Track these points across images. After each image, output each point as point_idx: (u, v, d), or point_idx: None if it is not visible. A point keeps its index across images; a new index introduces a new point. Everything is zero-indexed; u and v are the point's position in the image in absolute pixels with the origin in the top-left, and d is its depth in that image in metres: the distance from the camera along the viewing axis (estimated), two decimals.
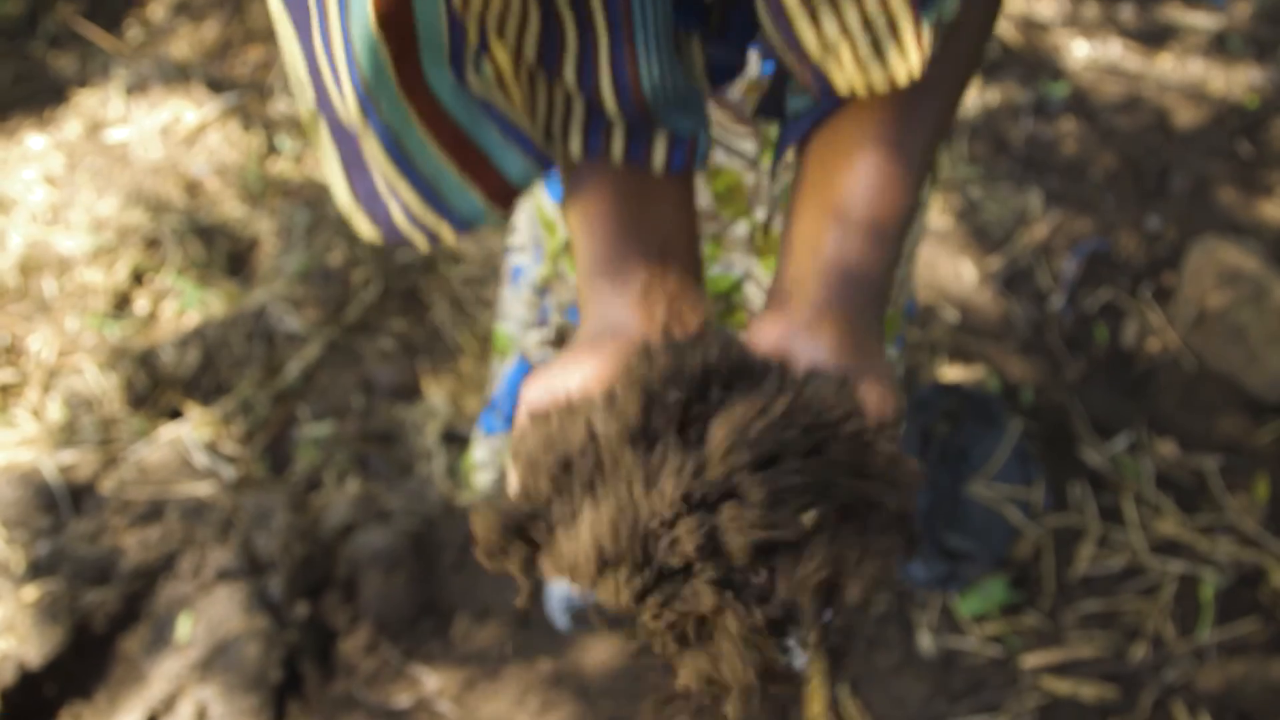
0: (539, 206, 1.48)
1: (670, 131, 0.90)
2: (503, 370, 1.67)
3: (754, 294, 1.44)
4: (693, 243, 0.94)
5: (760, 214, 1.36)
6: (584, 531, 0.72)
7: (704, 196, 1.35)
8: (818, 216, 0.88)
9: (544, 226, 1.48)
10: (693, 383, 0.76)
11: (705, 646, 0.73)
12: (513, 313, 1.71)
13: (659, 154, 0.90)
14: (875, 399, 0.80)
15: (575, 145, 0.89)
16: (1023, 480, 2.27)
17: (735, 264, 1.42)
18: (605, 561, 0.71)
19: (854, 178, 0.87)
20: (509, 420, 1.66)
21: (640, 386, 0.75)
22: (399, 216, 0.88)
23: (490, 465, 1.72)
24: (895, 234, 0.88)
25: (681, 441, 0.73)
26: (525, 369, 1.59)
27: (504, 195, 0.88)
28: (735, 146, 1.29)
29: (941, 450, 2.27)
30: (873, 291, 0.86)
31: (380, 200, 0.87)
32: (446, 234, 0.89)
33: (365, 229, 0.90)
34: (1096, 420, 2.43)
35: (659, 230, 0.91)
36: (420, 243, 0.90)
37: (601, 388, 0.78)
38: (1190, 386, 2.48)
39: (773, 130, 1.28)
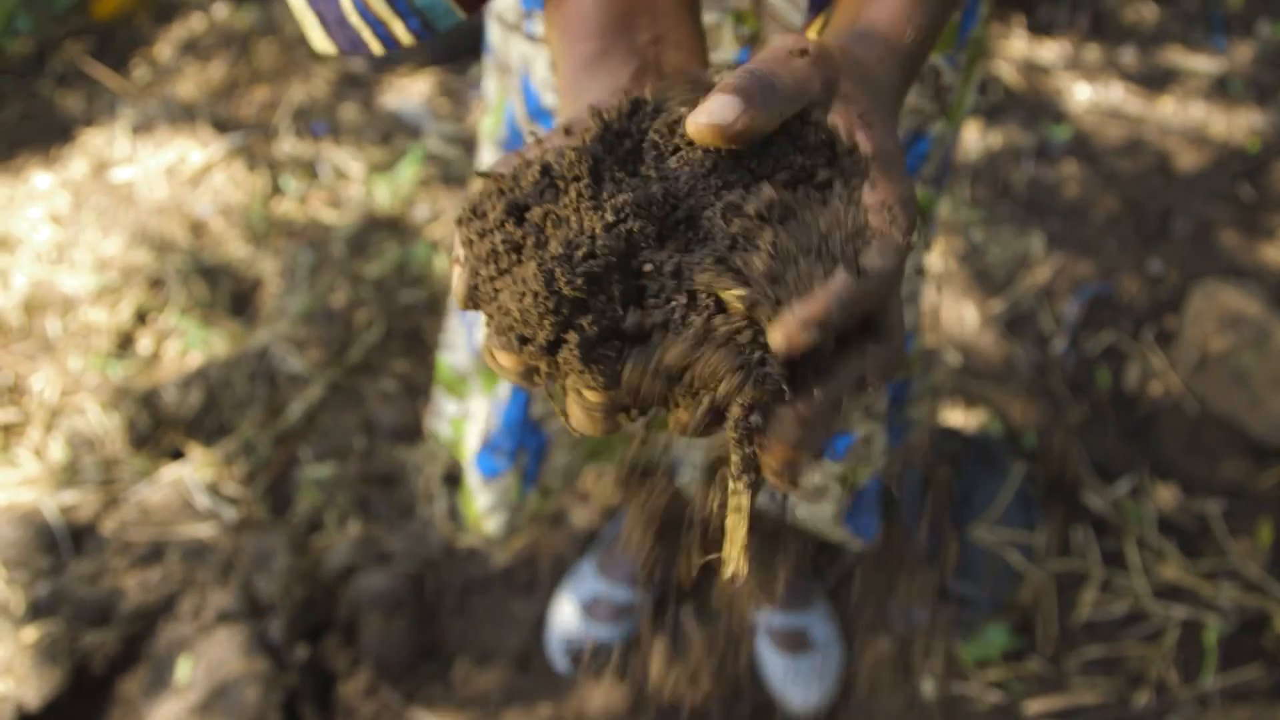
0: None
1: None
2: (491, 405, 1.65)
3: None
4: (697, 42, 0.84)
5: None
6: (529, 267, 0.63)
7: None
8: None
9: None
10: (652, 117, 0.70)
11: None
12: (458, 342, 1.70)
13: None
14: (858, 136, 0.70)
15: None
16: (1025, 524, 2.26)
17: None
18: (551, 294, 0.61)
19: None
20: (513, 456, 1.65)
21: (600, 119, 0.69)
22: (349, 7, 0.83)
23: (500, 508, 1.71)
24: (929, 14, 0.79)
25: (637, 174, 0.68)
26: (523, 400, 1.58)
27: None
28: None
29: (944, 494, 2.27)
30: (900, 55, 0.78)
31: None
32: (400, 31, 0.83)
33: (317, 38, 0.86)
34: (1099, 464, 2.43)
35: (652, 24, 0.82)
36: (372, 43, 0.85)
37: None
38: (1193, 430, 2.48)
39: None
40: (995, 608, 2.18)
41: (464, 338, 1.67)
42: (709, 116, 0.64)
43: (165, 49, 3.46)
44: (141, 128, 3.16)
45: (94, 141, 3.14)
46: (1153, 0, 3.67)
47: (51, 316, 2.66)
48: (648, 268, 0.63)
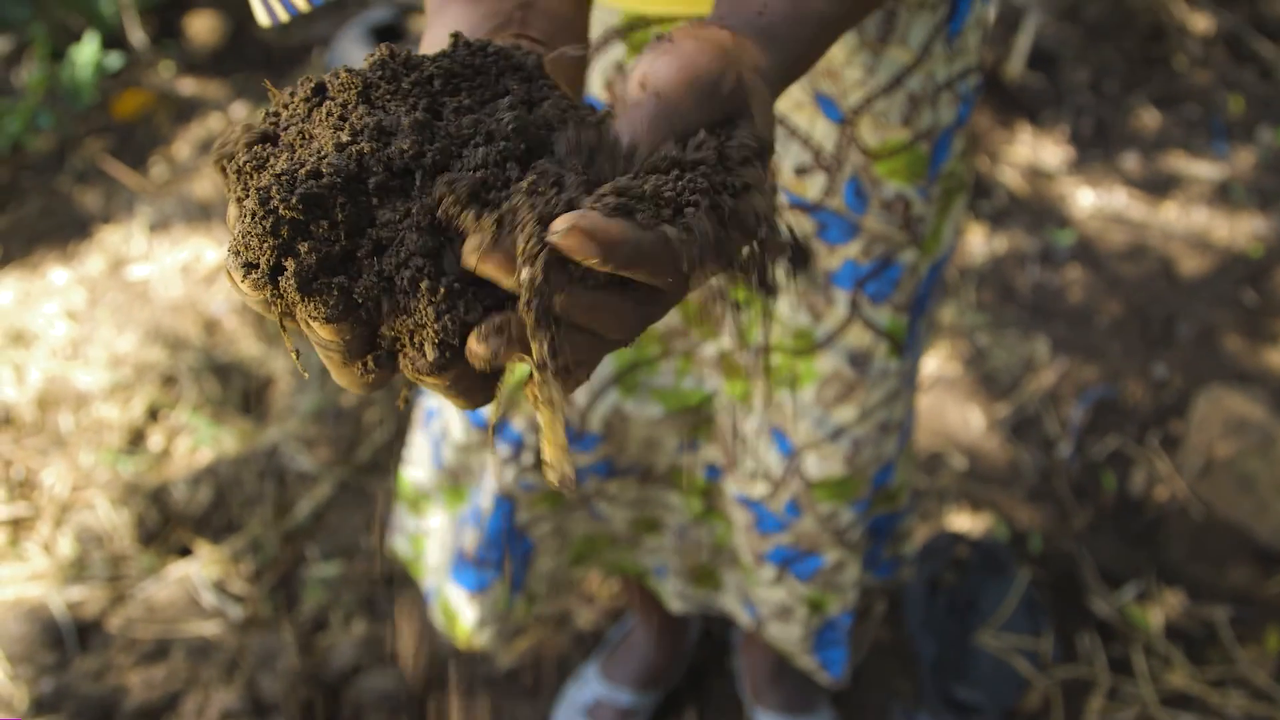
0: None
1: None
2: (463, 520, 1.65)
3: (723, 405, 1.45)
4: (575, 20, 0.79)
5: (727, 342, 1.37)
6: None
7: (674, 315, 1.35)
8: None
9: None
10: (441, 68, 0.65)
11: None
12: (421, 458, 1.69)
13: None
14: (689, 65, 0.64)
15: None
16: (1031, 630, 2.26)
17: (706, 379, 1.43)
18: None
19: None
20: (499, 566, 1.65)
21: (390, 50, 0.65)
22: None
23: (490, 620, 1.70)
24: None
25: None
26: (508, 509, 1.58)
27: None
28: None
29: (949, 599, 2.27)
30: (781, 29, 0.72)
31: None
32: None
33: (259, 13, 0.86)
34: (1105, 569, 2.43)
35: None
36: (275, 10, 0.84)
37: None
38: (1199, 536, 2.48)
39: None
40: (1001, 714, 2.17)
41: (428, 453, 1.66)
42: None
43: (183, 148, 3.52)
44: (158, 226, 3.21)
45: (111, 239, 3.19)
46: (1154, 107, 3.73)
47: (65, 412, 2.69)
48: (373, 184, 0.58)
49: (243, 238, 0.57)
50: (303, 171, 0.56)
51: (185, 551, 2.46)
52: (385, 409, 2.69)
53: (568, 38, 0.77)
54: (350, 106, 0.60)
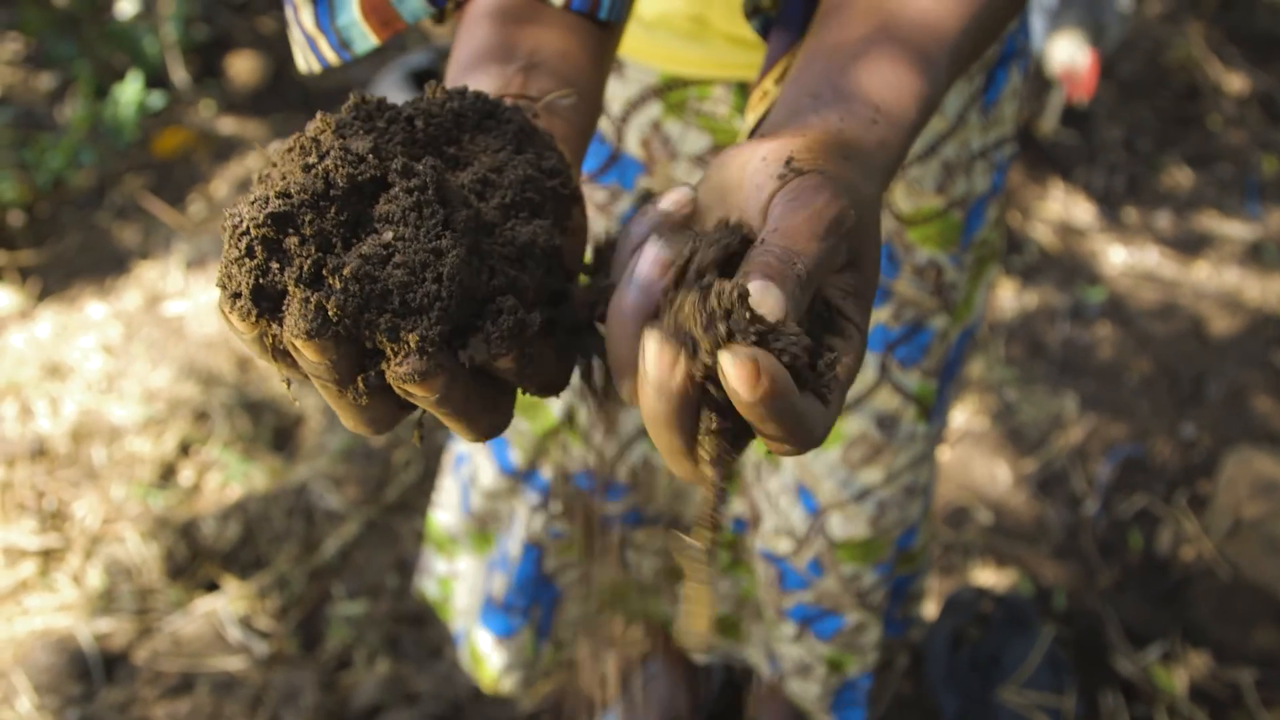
0: None
1: None
2: (491, 565, 1.66)
3: (749, 460, 1.45)
4: (585, 82, 0.81)
5: None
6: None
7: None
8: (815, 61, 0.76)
9: (520, 410, 1.49)
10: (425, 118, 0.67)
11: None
12: (450, 502, 1.70)
13: None
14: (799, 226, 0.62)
15: None
16: (1054, 687, 2.25)
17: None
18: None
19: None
20: (527, 613, 1.66)
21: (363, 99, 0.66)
22: (299, 38, 0.85)
23: (516, 666, 1.71)
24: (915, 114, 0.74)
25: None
26: (535, 556, 1.59)
27: (378, 10, 0.82)
28: None
29: (972, 654, 2.26)
30: (872, 148, 0.71)
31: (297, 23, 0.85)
32: (326, 50, 0.84)
33: (299, 60, 0.88)
34: (1130, 628, 2.42)
35: (536, 50, 0.79)
36: (310, 61, 0.87)
37: None
38: (1225, 597, 2.47)
39: None
40: None
41: (456, 498, 1.67)
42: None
43: (221, 186, 3.57)
44: (195, 263, 3.24)
45: (148, 274, 3.23)
46: (1187, 165, 3.73)
47: (98, 445, 2.72)
48: (340, 196, 0.59)
49: (224, 269, 0.58)
50: (271, 193, 0.58)
51: (213, 586, 2.47)
52: (414, 450, 2.71)
53: (579, 99, 0.79)
54: (321, 139, 0.62)
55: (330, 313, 0.57)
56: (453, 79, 0.78)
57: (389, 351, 0.58)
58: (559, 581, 1.63)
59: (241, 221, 0.57)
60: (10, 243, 3.34)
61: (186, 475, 2.68)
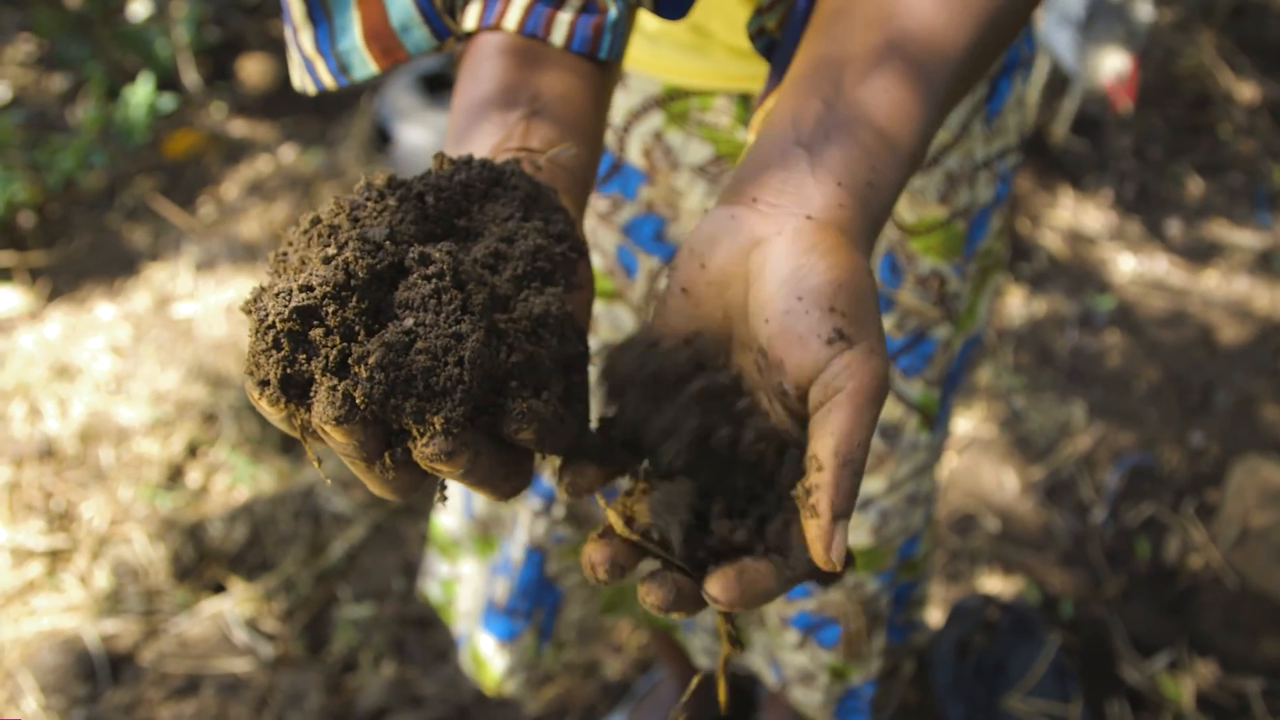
0: None
1: (581, 4, 0.82)
2: (493, 569, 1.66)
3: None
4: (586, 124, 0.82)
5: None
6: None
7: None
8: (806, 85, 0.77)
9: None
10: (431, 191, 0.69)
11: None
12: (453, 506, 1.70)
13: (560, 28, 0.81)
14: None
15: (472, 14, 0.82)
16: (1060, 696, 2.24)
17: None
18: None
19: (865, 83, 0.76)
20: (529, 616, 1.66)
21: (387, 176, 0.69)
22: (297, 59, 0.86)
23: (519, 668, 1.71)
24: (909, 146, 0.75)
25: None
26: (538, 560, 1.59)
27: (381, 38, 0.82)
28: None
29: (978, 662, 2.26)
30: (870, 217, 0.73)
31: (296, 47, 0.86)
32: (324, 73, 0.85)
33: (294, 77, 0.89)
34: (1136, 637, 2.41)
35: (537, 95, 0.80)
36: (306, 83, 0.87)
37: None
38: (1232, 606, 2.46)
39: None
40: None
41: (459, 502, 1.68)
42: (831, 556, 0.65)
43: (232, 189, 3.57)
44: (204, 265, 3.25)
45: (158, 276, 3.24)
46: (1198, 174, 3.73)
47: (106, 446, 2.72)
48: (361, 288, 0.61)
49: (253, 358, 0.60)
50: (295, 286, 0.60)
51: (219, 588, 2.48)
52: None
53: (577, 139, 0.80)
54: (338, 226, 0.64)
55: (358, 400, 0.59)
56: (456, 125, 0.80)
57: (415, 432, 0.60)
58: (561, 584, 1.63)
59: (267, 316, 0.59)
60: (21, 243, 3.36)
61: (194, 477, 2.69)
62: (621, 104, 1.22)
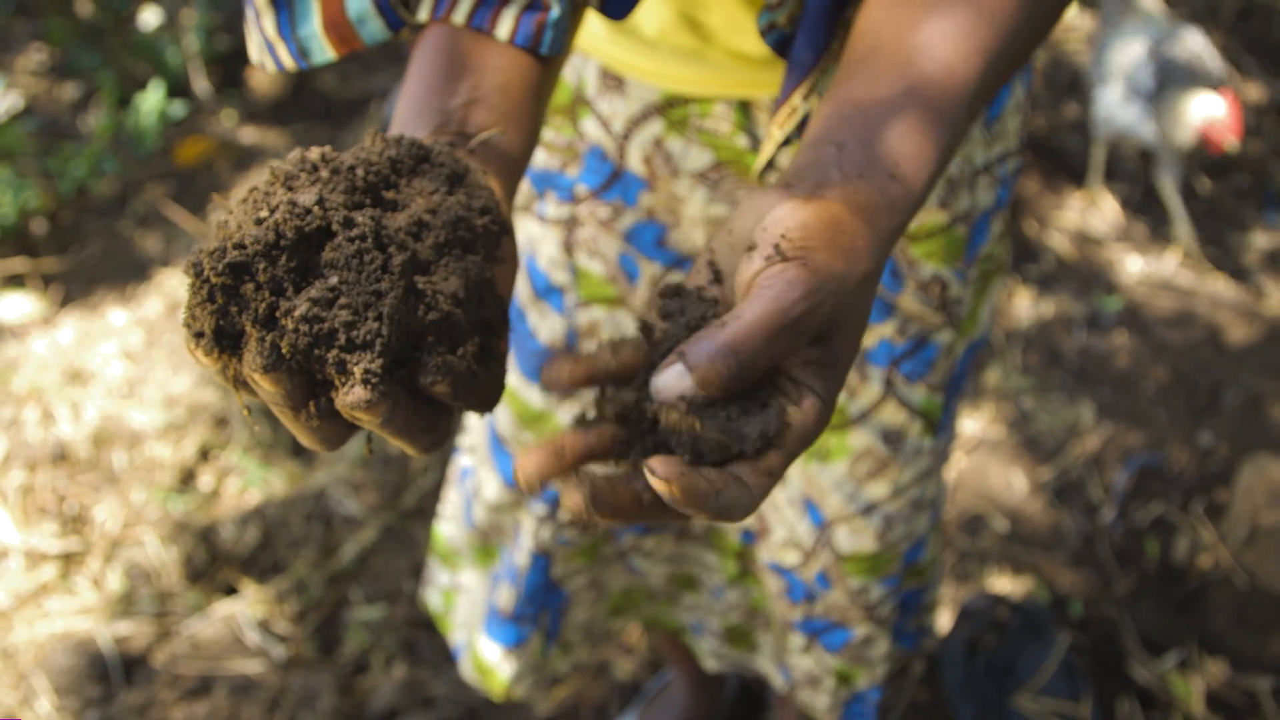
0: (523, 403, 1.47)
1: (526, 1, 0.86)
2: (496, 578, 1.66)
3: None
4: (523, 113, 0.86)
5: None
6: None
7: None
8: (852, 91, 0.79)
9: (524, 423, 1.50)
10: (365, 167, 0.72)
11: None
12: (454, 514, 1.72)
13: (505, 23, 0.85)
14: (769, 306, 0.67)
15: (424, 7, 0.86)
16: (1070, 695, 2.25)
17: None
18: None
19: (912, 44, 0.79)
20: (535, 620, 1.66)
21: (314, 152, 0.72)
22: (257, 39, 0.89)
23: (526, 672, 1.72)
24: (949, 128, 0.78)
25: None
26: (544, 565, 1.59)
27: (338, 28, 0.86)
28: None
29: (988, 661, 2.26)
30: (900, 189, 0.75)
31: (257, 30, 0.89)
32: (284, 55, 0.88)
33: (251, 51, 0.92)
34: (1146, 636, 2.41)
35: (478, 84, 0.84)
36: (266, 63, 0.90)
37: None
38: (1242, 605, 2.46)
39: None
40: None
41: (461, 510, 1.69)
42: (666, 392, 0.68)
43: (243, 194, 3.58)
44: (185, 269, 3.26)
45: (170, 281, 3.25)
46: (1205, 175, 3.73)
47: (118, 450, 2.74)
48: (289, 247, 0.64)
49: (189, 311, 0.65)
50: (229, 244, 0.63)
51: (231, 590, 2.49)
52: (431, 457, 2.72)
53: (511, 127, 0.84)
54: (271, 193, 0.68)
55: (284, 350, 0.63)
56: (402, 111, 0.83)
57: (337, 382, 0.65)
58: (567, 587, 1.64)
59: (203, 270, 0.63)
60: (33, 250, 3.38)
61: (206, 480, 2.70)
62: (621, 112, 1.23)
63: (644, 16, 1.13)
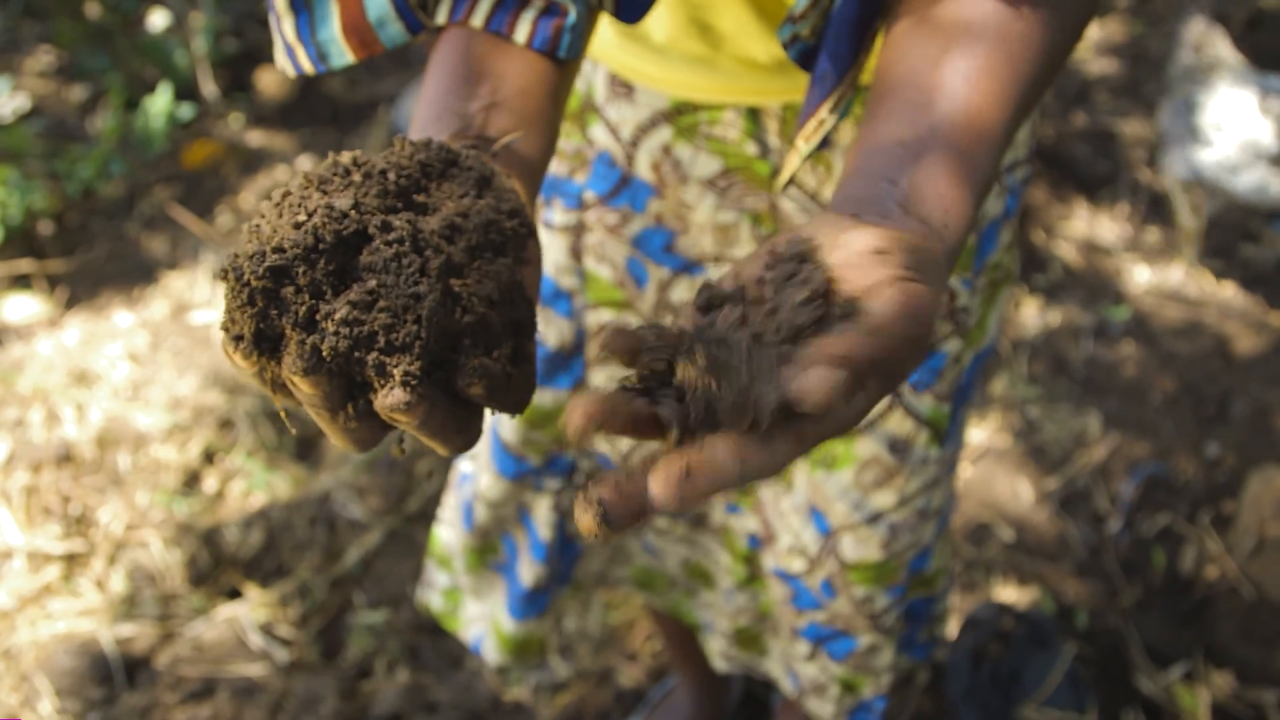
0: (533, 405, 1.45)
1: (544, 5, 0.86)
2: (534, 549, 1.67)
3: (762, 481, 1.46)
4: (542, 117, 0.87)
5: None
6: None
7: None
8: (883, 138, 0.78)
9: (532, 425, 1.50)
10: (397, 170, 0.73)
11: None
12: (452, 519, 1.72)
13: (523, 27, 0.86)
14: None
15: (443, 10, 0.87)
16: (1076, 706, 2.24)
17: None
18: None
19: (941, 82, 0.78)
20: (554, 579, 1.67)
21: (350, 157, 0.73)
22: (279, 43, 0.90)
23: (551, 630, 1.74)
24: (984, 167, 0.77)
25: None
26: (559, 522, 1.60)
27: (358, 31, 0.87)
28: None
29: (993, 671, 2.26)
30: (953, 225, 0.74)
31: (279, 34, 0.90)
32: (303, 59, 0.89)
33: (278, 58, 0.93)
34: (1152, 647, 2.40)
35: (497, 88, 0.84)
36: (286, 67, 0.91)
37: None
38: (1249, 616, 2.45)
39: None
40: None
41: (459, 515, 1.69)
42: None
43: (249, 198, 3.59)
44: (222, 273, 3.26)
45: (176, 284, 3.25)
46: None
47: (123, 452, 2.74)
48: (328, 250, 0.65)
49: (228, 314, 0.65)
50: (269, 248, 0.64)
51: (235, 593, 2.49)
52: (435, 461, 2.72)
53: (531, 130, 0.85)
54: (306, 196, 0.69)
55: (324, 353, 0.64)
56: (422, 115, 0.84)
57: (376, 384, 0.65)
58: (580, 542, 1.65)
59: (243, 274, 0.63)
60: (40, 251, 3.38)
61: (210, 483, 2.70)
62: (629, 118, 1.23)
63: (653, 23, 1.13)
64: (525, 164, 0.83)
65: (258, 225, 0.68)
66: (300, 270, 0.64)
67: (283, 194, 0.70)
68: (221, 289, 0.74)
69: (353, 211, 0.67)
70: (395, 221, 0.67)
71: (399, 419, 0.64)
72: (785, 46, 0.90)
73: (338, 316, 0.63)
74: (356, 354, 0.64)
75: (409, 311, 0.64)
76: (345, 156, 0.72)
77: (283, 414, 0.71)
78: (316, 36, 0.87)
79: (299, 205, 0.68)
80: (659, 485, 0.61)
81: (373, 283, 0.65)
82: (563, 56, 0.87)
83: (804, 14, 0.88)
